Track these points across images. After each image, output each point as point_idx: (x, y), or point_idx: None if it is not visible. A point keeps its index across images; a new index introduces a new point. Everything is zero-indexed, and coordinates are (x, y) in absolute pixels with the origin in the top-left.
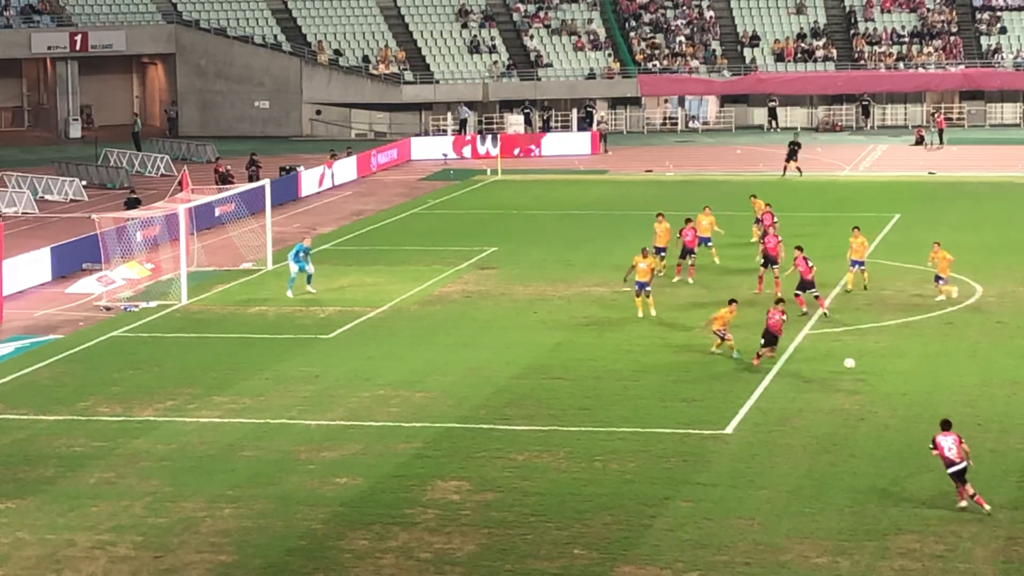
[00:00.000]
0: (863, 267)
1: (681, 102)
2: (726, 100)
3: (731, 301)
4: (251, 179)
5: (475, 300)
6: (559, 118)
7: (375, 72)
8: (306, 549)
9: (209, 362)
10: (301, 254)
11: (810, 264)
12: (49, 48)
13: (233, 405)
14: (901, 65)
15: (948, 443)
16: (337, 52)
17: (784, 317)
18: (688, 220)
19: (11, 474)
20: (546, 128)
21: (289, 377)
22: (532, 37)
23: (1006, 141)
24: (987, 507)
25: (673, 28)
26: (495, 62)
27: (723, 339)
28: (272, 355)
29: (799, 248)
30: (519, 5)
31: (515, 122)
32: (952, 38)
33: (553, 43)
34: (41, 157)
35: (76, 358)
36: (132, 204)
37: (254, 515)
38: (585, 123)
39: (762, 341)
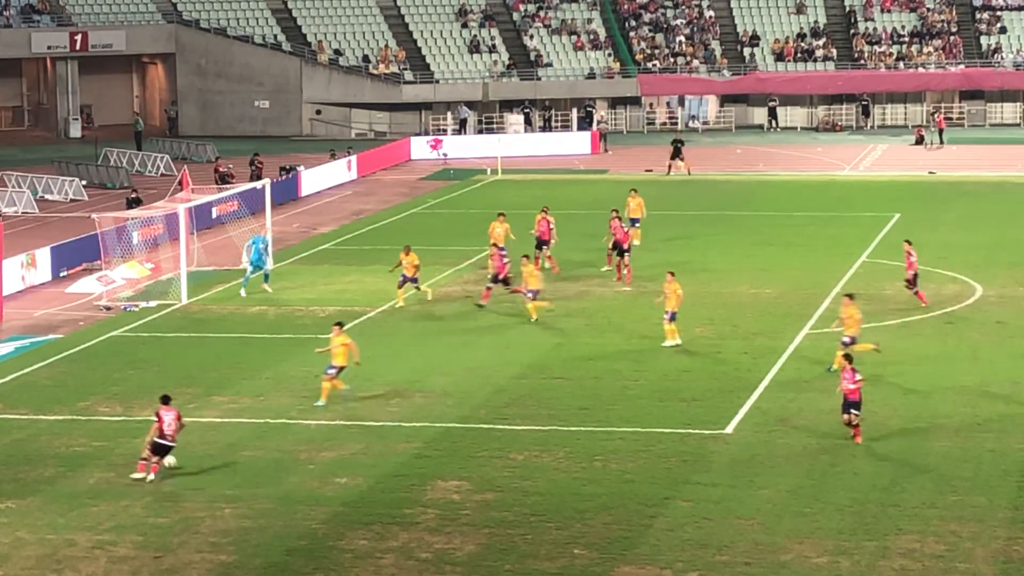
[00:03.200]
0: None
1: (681, 102)
2: (726, 100)
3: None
4: (253, 178)
5: (475, 300)
6: (559, 118)
7: (375, 72)
8: (306, 549)
9: (209, 362)
10: (261, 246)
11: (626, 230)
12: (49, 48)
13: (233, 405)
14: (901, 65)
15: (169, 419)
16: (337, 52)
17: (860, 378)
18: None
19: (11, 474)
20: (547, 128)
21: (289, 377)
22: (532, 37)
23: (1006, 141)
24: None
25: (673, 28)
26: (495, 62)
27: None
28: (272, 355)
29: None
30: (519, 5)
31: (515, 122)
32: (952, 38)
33: (553, 43)
34: (41, 157)
35: (76, 358)
36: (133, 204)
37: (254, 515)
38: (585, 123)
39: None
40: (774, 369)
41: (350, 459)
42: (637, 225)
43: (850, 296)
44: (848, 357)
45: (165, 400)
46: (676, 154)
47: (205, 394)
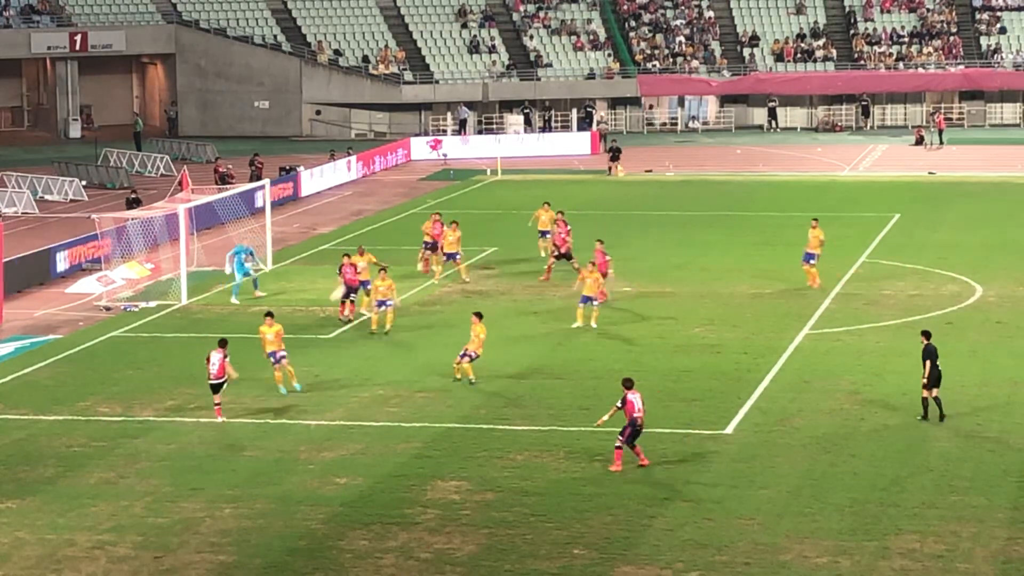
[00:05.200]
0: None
1: (681, 102)
2: (726, 100)
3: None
4: (253, 179)
5: (475, 300)
6: (559, 118)
7: (375, 72)
8: (306, 549)
9: None
10: (244, 256)
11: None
12: (49, 48)
13: (233, 405)
14: (901, 65)
15: (215, 359)
16: (337, 52)
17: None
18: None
19: (11, 474)
20: (547, 128)
21: None
22: (532, 37)
23: (1006, 141)
24: None
25: (673, 28)
26: (495, 62)
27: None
28: None
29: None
30: (519, 5)
31: (515, 122)
32: (952, 38)
33: (553, 43)
34: (41, 157)
35: (76, 358)
36: (133, 204)
37: (254, 515)
38: (585, 123)
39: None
40: (774, 369)
41: (350, 459)
42: (548, 236)
43: (478, 315)
44: (627, 382)
45: (220, 343)
46: (615, 157)
47: (205, 394)
